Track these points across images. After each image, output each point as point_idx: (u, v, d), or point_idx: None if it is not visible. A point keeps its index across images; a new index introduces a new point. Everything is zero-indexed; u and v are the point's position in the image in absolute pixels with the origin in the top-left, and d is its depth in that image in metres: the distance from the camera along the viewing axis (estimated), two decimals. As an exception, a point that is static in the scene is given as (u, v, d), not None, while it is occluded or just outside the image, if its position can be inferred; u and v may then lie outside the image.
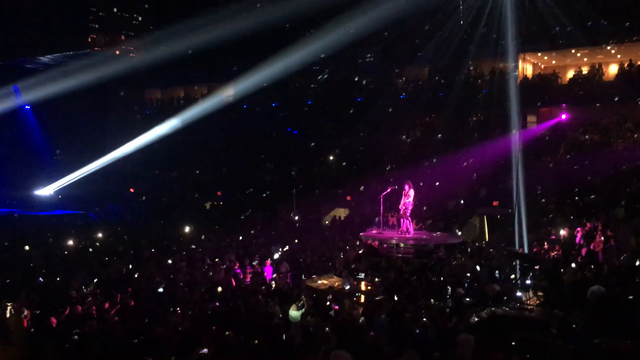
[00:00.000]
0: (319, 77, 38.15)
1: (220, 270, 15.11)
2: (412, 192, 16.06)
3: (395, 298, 11.84)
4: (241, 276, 14.65)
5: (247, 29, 30.09)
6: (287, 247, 18.98)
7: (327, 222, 26.40)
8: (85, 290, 13.14)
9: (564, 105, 29.30)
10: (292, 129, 37.43)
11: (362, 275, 14.23)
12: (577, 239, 16.01)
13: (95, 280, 14.21)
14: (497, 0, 27.86)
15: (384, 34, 34.72)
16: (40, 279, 14.49)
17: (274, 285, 13.85)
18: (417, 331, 8.78)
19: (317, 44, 30.16)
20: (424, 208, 22.18)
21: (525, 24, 26.71)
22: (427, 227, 19.94)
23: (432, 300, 11.00)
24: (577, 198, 20.61)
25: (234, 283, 13.92)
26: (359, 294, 13.25)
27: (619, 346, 6.26)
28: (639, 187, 18.89)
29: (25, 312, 10.49)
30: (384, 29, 32.86)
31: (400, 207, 16.33)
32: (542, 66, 33.46)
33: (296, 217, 26.32)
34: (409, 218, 16.44)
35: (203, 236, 22.66)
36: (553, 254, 15.04)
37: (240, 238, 21.87)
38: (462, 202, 23.69)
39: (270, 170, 34.29)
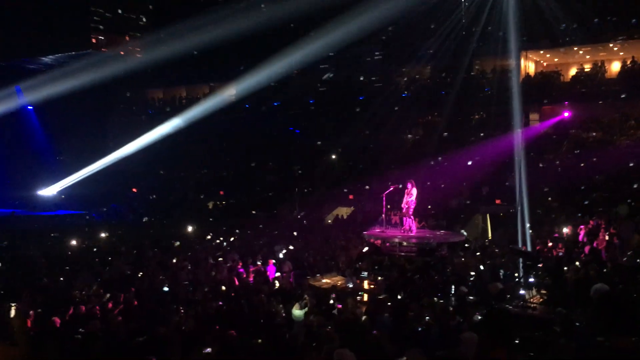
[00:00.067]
0: (323, 77, 38.06)
1: (224, 269, 15.12)
2: (414, 191, 16.11)
3: (398, 296, 11.81)
4: (244, 275, 14.67)
5: (248, 28, 30.06)
6: (290, 247, 18.98)
7: (329, 221, 26.41)
8: (88, 290, 13.16)
9: (566, 103, 29.23)
10: (294, 129, 37.43)
11: (365, 274, 14.23)
12: (580, 237, 16.00)
13: (98, 280, 14.24)
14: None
15: (385, 33, 34.67)
16: (44, 279, 14.51)
17: (277, 285, 13.87)
18: (420, 329, 8.75)
19: (319, 43, 30.13)
20: (429, 207, 22.18)
21: (528, 21, 26.62)
22: (430, 226, 19.95)
23: (435, 298, 10.99)
24: (580, 196, 20.60)
25: (237, 282, 13.94)
26: (362, 292, 13.25)
27: (622, 344, 6.23)
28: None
29: (30, 313, 10.51)
30: (386, 27, 32.81)
31: (402, 205, 16.37)
32: (545, 64, 33.38)
33: (301, 215, 26.30)
34: (412, 217, 16.49)
35: (208, 236, 22.62)
36: (556, 252, 15.03)
37: (243, 238, 21.85)
38: (465, 200, 23.67)
39: (271, 169, 34.29)
